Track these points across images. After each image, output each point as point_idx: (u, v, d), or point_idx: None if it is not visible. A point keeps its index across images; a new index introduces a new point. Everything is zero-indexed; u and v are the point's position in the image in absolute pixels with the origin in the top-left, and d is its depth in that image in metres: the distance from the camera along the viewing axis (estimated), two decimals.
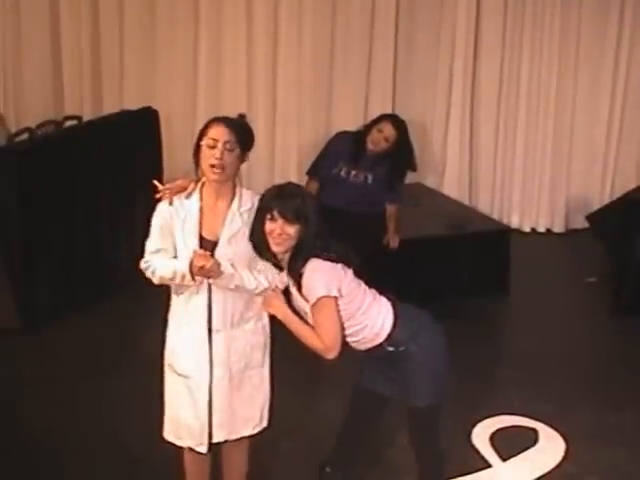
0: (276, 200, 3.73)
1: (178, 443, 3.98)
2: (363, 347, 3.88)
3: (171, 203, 3.78)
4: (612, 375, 5.81)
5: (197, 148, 3.75)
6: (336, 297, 3.71)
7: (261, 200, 3.80)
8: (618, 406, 5.38)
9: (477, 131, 8.30)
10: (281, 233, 3.68)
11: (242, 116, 3.87)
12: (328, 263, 3.72)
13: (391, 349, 3.84)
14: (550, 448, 4.98)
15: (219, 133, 3.71)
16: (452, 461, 4.52)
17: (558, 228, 8.36)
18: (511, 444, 4.99)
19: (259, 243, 3.74)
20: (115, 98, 7.82)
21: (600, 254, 7.15)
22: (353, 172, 6.27)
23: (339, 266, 3.75)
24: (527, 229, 8.38)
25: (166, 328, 3.94)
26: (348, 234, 6.23)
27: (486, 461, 4.85)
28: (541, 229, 8.39)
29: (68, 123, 7.21)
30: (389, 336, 3.84)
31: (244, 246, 3.78)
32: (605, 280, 6.92)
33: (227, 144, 3.70)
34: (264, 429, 4.09)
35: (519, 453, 4.93)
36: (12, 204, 5.98)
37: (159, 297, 4.06)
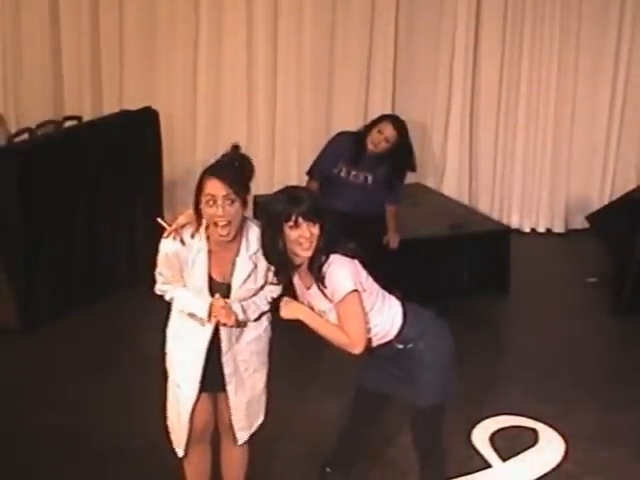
0: (291, 206, 3.60)
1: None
2: (372, 345, 3.86)
3: (183, 243, 3.70)
4: (612, 375, 5.81)
5: (197, 201, 3.63)
6: (359, 291, 3.69)
7: (270, 217, 3.64)
8: (618, 406, 5.38)
9: (477, 131, 8.29)
10: (309, 236, 3.62)
11: (236, 147, 3.71)
12: (347, 258, 3.71)
13: (400, 347, 3.84)
14: (550, 448, 4.98)
15: (216, 188, 3.56)
16: (452, 461, 4.52)
17: (558, 228, 8.36)
18: (511, 444, 4.99)
19: (282, 261, 3.67)
20: (115, 98, 7.82)
21: (600, 254, 7.15)
22: (353, 172, 6.27)
23: (356, 261, 3.74)
24: (527, 229, 8.38)
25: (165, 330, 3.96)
26: (348, 234, 6.26)
27: (486, 461, 4.85)
28: (541, 229, 8.39)
29: (68, 123, 7.21)
30: (398, 334, 3.83)
31: (252, 289, 3.79)
32: (605, 280, 6.92)
33: (227, 198, 3.58)
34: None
35: (519, 453, 4.93)
36: (12, 204, 5.98)
37: (158, 297, 4.06)
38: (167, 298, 3.87)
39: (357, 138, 6.28)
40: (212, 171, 3.60)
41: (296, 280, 3.80)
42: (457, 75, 8.11)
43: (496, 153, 8.31)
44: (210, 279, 3.73)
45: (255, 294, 3.83)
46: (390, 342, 3.84)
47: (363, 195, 6.26)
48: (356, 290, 3.67)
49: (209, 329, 3.80)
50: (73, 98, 7.88)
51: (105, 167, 6.47)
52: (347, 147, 6.25)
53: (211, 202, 3.57)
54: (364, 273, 3.78)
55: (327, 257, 3.67)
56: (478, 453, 4.92)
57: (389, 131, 6.19)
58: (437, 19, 8.06)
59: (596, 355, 6.10)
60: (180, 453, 4.03)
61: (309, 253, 3.64)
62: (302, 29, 7.93)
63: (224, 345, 3.84)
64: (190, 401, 3.88)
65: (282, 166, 8.12)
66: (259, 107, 8.01)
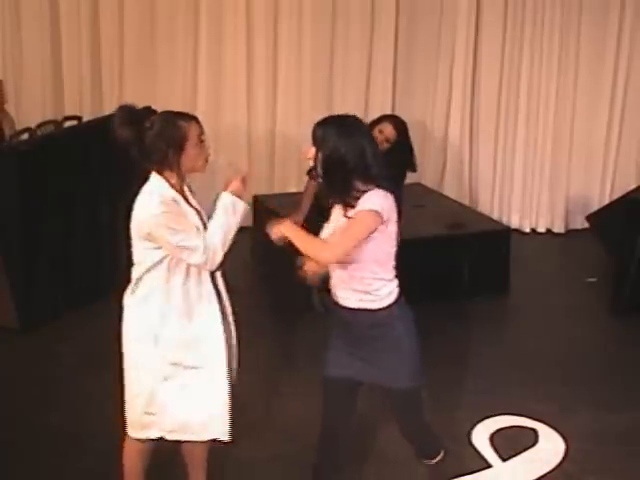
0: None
1: (192, 438, 3.98)
2: (363, 304, 3.80)
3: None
4: (612, 375, 5.81)
5: (180, 151, 3.80)
6: (382, 218, 3.68)
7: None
8: (618, 406, 5.38)
9: (477, 131, 8.30)
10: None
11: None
12: (385, 192, 3.73)
13: (386, 320, 3.79)
14: (550, 448, 4.98)
15: (200, 129, 3.84)
16: (452, 461, 4.52)
17: (558, 228, 8.35)
18: (511, 444, 4.99)
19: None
20: (115, 98, 7.82)
21: (600, 254, 7.15)
22: None
23: (391, 197, 3.77)
24: (527, 229, 8.38)
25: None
26: None
27: (486, 461, 4.85)
28: (541, 229, 8.39)
29: (68, 123, 7.21)
30: (388, 306, 3.82)
31: None
32: (605, 280, 6.92)
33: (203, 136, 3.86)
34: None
35: (519, 453, 4.93)
36: (12, 204, 5.98)
37: None
38: (214, 256, 3.84)
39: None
40: (187, 117, 3.83)
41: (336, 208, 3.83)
42: (457, 75, 8.11)
43: (496, 153, 8.31)
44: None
45: None
46: (378, 310, 3.79)
47: None
48: (377, 212, 3.66)
49: (215, 302, 3.90)
50: (73, 98, 7.88)
51: (105, 167, 6.46)
52: None
53: (203, 141, 3.84)
54: (394, 214, 3.78)
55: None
56: (478, 453, 4.92)
57: (389, 131, 6.19)
58: (437, 20, 8.06)
59: (596, 355, 6.10)
60: (228, 436, 3.94)
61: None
62: (302, 30, 7.93)
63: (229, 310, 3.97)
64: (223, 373, 3.89)
65: (282, 166, 8.12)
66: (259, 107, 8.02)
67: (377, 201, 3.67)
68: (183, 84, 7.93)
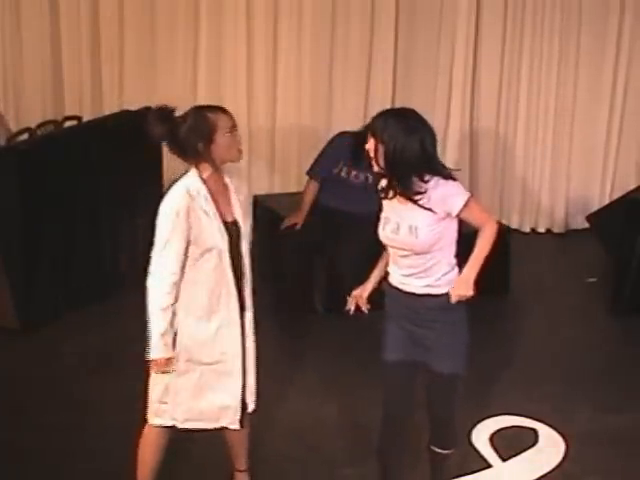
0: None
1: (209, 426, 4.15)
2: (429, 289, 3.87)
3: (190, 196, 3.93)
4: (612, 375, 5.81)
5: (210, 142, 3.90)
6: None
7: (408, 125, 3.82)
8: (618, 406, 5.38)
9: (477, 131, 8.29)
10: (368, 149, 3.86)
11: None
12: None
13: (447, 305, 3.86)
14: (550, 448, 4.98)
15: (232, 119, 3.97)
16: (452, 461, 4.52)
17: (558, 228, 8.35)
18: (511, 444, 4.99)
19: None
20: (115, 98, 7.82)
21: (600, 254, 7.15)
22: (353, 172, 6.28)
23: None
24: (527, 229, 8.37)
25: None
26: (348, 234, 6.29)
27: (486, 461, 4.85)
28: (541, 229, 8.38)
29: (68, 123, 7.21)
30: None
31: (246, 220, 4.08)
32: (605, 280, 6.92)
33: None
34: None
35: (519, 453, 4.93)
36: (12, 204, 5.98)
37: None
38: (168, 302, 3.91)
39: (357, 138, 6.27)
40: (215, 109, 3.96)
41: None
42: (457, 75, 8.10)
43: (496, 153, 8.31)
44: (224, 221, 3.95)
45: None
46: (441, 295, 3.87)
47: (363, 195, 6.26)
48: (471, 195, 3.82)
49: (235, 300, 4.01)
50: (73, 98, 7.89)
51: (105, 167, 6.46)
52: (347, 147, 6.26)
53: (234, 130, 3.95)
54: None
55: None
56: (478, 453, 4.92)
57: None
58: (437, 19, 8.05)
59: (596, 355, 6.10)
60: (238, 425, 4.15)
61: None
62: (302, 29, 7.93)
63: (248, 302, 4.11)
64: (238, 365, 4.07)
65: (282, 166, 8.12)
66: (259, 107, 8.02)
67: (460, 187, 3.82)
68: (183, 84, 7.93)
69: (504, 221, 8.10)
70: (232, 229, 3.98)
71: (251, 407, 4.23)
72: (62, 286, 6.31)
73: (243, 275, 4.06)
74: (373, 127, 3.80)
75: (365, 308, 4.11)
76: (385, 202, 3.93)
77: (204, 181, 3.94)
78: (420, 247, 3.81)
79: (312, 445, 4.92)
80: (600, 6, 7.96)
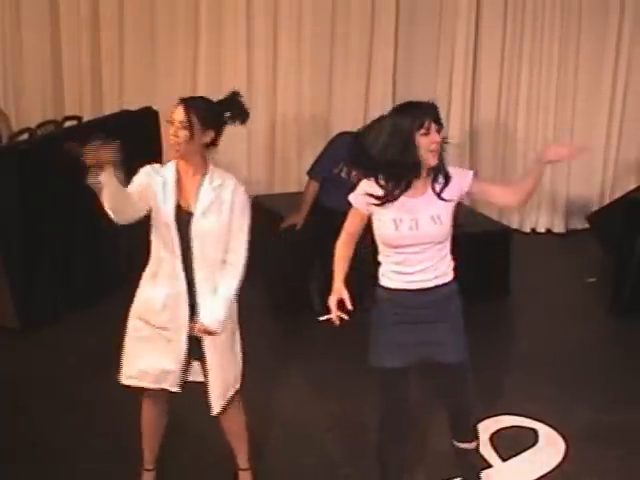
0: (423, 114, 3.78)
1: (150, 386, 4.22)
2: (439, 280, 3.90)
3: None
4: (612, 375, 5.81)
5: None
6: None
7: (398, 129, 3.76)
8: (618, 406, 5.38)
9: (477, 131, 8.30)
10: (439, 141, 3.80)
11: (235, 93, 4.29)
12: None
13: (452, 292, 3.92)
14: (550, 448, 4.98)
15: (177, 113, 4.00)
16: (452, 461, 4.53)
17: (558, 228, 8.35)
18: (511, 444, 4.99)
19: (409, 172, 3.78)
20: (115, 98, 7.83)
21: (600, 254, 7.15)
22: (354, 172, 6.27)
23: None
24: (527, 229, 8.38)
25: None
26: None
27: (486, 461, 4.85)
28: (541, 229, 8.38)
29: (68, 123, 7.21)
30: (454, 279, 3.95)
31: (217, 221, 4.01)
32: (605, 280, 6.92)
33: (181, 123, 3.97)
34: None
35: (519, 453, 4.93)
36: (12, 204, 5.98)
37: None
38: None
39: (358, 138, 6.28)
40: (183, 99, 4.04)
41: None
42: (457, 75, 8.11)
43: (496, 153, 8.31)
44: (178, 206, 4.00)
45: (222, 228, 4.02)
46: (448, 283, 3.92)
47: None
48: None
49: (180, 270, 4.03)
50: (73, 98, 7.89)
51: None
52: (347, 147, 6.25)
53: (170, 123, 4.02)
54: None
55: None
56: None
57: None
58: (437, 19, 8.07)
59: (596, 355, 6.10)
60: (178, 388, 4.18)
61: (436, 159, 3.79)
62: (302, 29, 7.94)
63: (202, 304, 4.04)
64: (183, 336, 4.09)
65: (282, 166, 8.13)
66: (259, 108, 8.01)
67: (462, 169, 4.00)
68: (183, 84, 7.93)
69: (504, 221, 8.11)
70: (182, 216, 4.00)
71: (215, 410, 4.20)
72: (62, 286, 6.31)
73: (193, 270, 4.04)
74: (437, 115, 3.84)
75: (345, 313, 3.98)
76: (387, 205, 3.84)
77: (178, 167, 4.08)
78: (443, 235, 3.84)
79: (311, 445, 4.92)
80: (600, 8, 7.96)
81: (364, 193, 3.85)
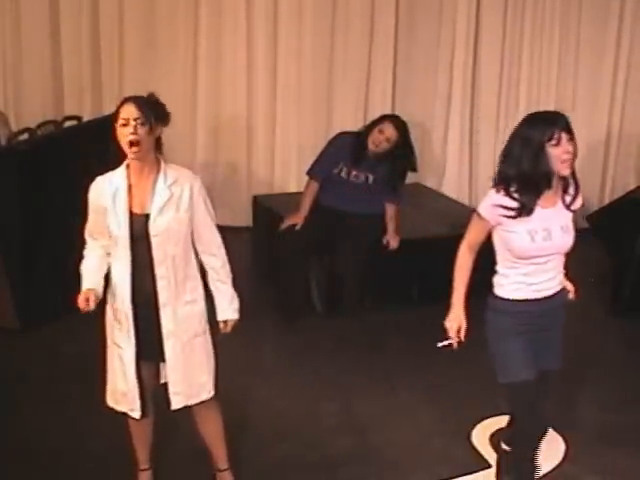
0: (553, 125, 3.70)
1: (117, 408, 4.22)
2: (559, 286, 3.94)
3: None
4: (612, 375, 5.80)
5: (114, 131, 3.97)
6: None
7: (528, 141, 3.70)
8: (618, 406, 5.38)
9: (477, 131, 8.30)
10: (570, 151, 3.73)
11: (151, 95, 4.12)
12: None
13: (564, 299, 3.97)
14: (550, 448, 4.97)
15: (129, 112, 3.93)
16: (452, 461, 4.53)
17: None
18: None
19: (541, 184, 3.75)
20: (115, 98, 7.78)
21: (600, 254, 7.14)
22: (354, 172, 6.28)
23: None
24: None
25: None
26: (348, 234, 6.29)
27: (486, 461, 4.85)
28: None
29: (68, 123, 7.20)
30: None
31: (175, 219, 3.97)
32: (605, 280, 6.91)
33: (138, 120, 3.92)
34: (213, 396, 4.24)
35: None
36: (12, 204, 5.98)
37: None
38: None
39: (358, 138, 6.29)
40: (127, 98, 4.01)
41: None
42: (457, 75, 8.11)
43: (496, 153, 8.20)
44: (131, 214, 3.96)
45: (180, 226, 3.98)
46: (563, 289, 3.98)
47: (364, 195, 6.27)
48: None
49: (127, 286, 4.01)
50: (73, 98, 7.88)
51: (105, 167, 6.44)
52: (348, 147, 6.26)
53: (124, 123, 3.93)
54: None
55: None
56: (478, 453, 4.92)
57: (390, 131, 6.20)
58: (437, 20, 8.07)
59: (596, 355, 6.10)
60: (137, 415, 4.17)
61: (569, 170, 3.77)
62: (302, 28, 7.93)
63: (162, 298, 4.01)
64: (130, 355, 4.08)
65: (282, 166, 8.12)
66: (259, 107, 8.02)
67: None
68: (183, 85, 7.93)
69: None
70: (137, 220, 3.97)
71: (175, 404, 4.17)
72: (62, 286, 6.29)
73: (155, 267, 4.01)
74: (570, 127, 3.73)
75: (463, 339, 4.01)
76: (521, 217, 3.79)
77: (128, 169, 4.03)
78: (571, 243, 3.90)
79: (310, 445, 4.91)
80: (601, 2, 7.96)
81: (496, 205, 3.78)
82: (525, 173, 3.69)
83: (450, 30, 8.03)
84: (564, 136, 3.68)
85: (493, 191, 3.78)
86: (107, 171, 6.39)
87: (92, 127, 6.85)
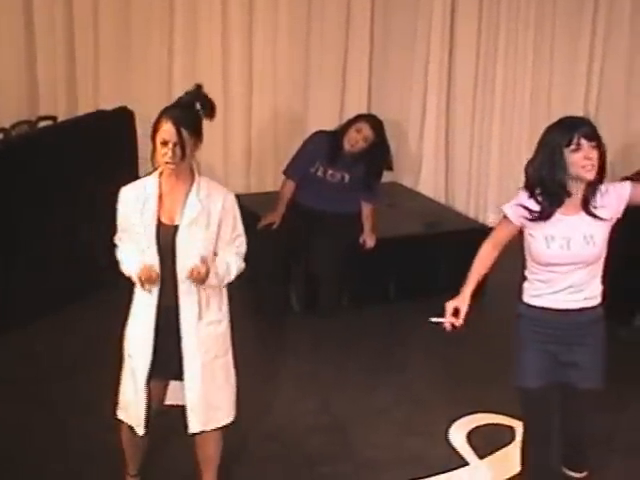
0: (572, 130, 3.68)
1: (127, 422, 4.14)
2: (587, 302, 3.82)
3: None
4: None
5: (153, 139, 3.89)
6: None
7: (548, 146, 3.71)
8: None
9: (453, 130, 8.31)
10: (592, 157, 3.65)
11: (199, 87, 4.18)
12: None
13: (598, 317, 3.85)
14: None
15: (169, 134, 3.84)
16: (429, 459, 4.55)
17: None
18: (488, 442, 5.00)
19: (560, 190, 3.69)
20: (90, 98, 7.78)
21: None
22: (330, 171, 6.29)
23: None
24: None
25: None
26: (324, 233, 6.31)
27: (463, 459, 4.86)
28: None
29: (43, 123, 7.17)
30: (600, 304, 3.88)
31: (204, 234, 3.90)
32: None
33: (177, 145, 3.83)
34: (233, 421, 4.17)
35: (496, 451, 4.94)
36: None
37: None
38: (118, 257, 4.08)
39: (334, 137, 6.30)
40: (167, 113, 3.90)
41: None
42: (432, 74, 8.13)
43: (472, 152, 8.33)
44: (159, 224, 3.88)
45: (208, 243, 3.91)
46: (595, 307, 3.85)
47: (340, 194, 6.28)
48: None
49: (154, 299, 3.91)
50: (48, 98, 7.84)
51: (81, 167, 6.43)
52: (324, 146, 6.27)
53: (164, 143, 3.84)
54: None
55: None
56: (455, 451, 4.93)
57: (366, 130, 6.22)
58: (412, 19, 8.08)
59: None
60: (141, 431, 4.07)
61: (593, 174, 3.66)
62: (278, 30, 7.92)
63: (184, 323, 3.91)
64: (144, 365, 3.97)
65: (258, 166, 8.11)
66: (235, 107, 8.00)
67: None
68: (159, 84, 7.89)
69: (480, 219, 8.14)
70: (164, 231, 3.89)
71: (192, 429, 4.06)
72: (39, 287, 6.28)
73: (179, 282, 3.92)
74: (594, 133, 3.69)
75: (459, 323, 3.91)
76: (539, 221, 3.78)
77: (161, 177, 3.95)
78: (595, 256, 3.77)
79: (290, 444, 4.92)
80: (574, 2, 7.98)
81: (519, 205, 3.79)
82: (545, 177, 3.69)
83: (426, 30, 8.04)
84: (584, 142, 3.64)
85: (523, 191, 3.80)
86: (83, 170, 6.39)
87: (67, 127, 6.83)
